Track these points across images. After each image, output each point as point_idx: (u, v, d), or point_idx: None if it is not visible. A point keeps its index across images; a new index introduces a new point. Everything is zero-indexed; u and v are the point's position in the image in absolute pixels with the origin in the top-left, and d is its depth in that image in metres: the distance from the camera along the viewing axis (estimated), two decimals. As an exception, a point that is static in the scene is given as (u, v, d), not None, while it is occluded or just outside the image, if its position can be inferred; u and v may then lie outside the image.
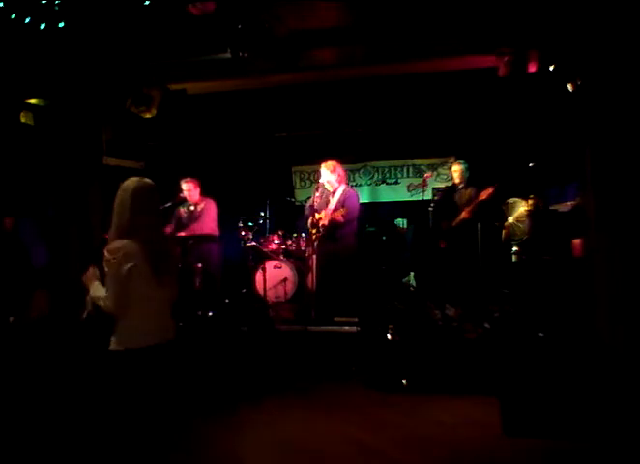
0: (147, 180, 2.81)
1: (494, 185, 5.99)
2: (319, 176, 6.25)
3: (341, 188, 6.10)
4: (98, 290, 2.68)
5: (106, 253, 2.59)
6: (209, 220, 6.59)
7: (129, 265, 2.56)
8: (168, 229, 6.43)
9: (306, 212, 6.39)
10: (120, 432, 2.70)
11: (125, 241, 2.60)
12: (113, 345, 2.67)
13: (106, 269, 2.60)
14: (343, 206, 5.90)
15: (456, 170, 6.38)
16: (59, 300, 5.41)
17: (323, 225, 5.99)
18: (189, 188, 6.50)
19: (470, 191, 6.23)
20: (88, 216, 5.74)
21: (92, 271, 2.75)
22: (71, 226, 5.69)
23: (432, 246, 6.51)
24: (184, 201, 6.54)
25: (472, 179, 6.35)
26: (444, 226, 6.31)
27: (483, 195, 6.01)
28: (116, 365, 2.64)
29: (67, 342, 4.38)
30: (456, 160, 6.61)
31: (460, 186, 6.35)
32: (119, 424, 2.68)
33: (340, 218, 5.86)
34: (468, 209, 6.11)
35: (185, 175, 6.59)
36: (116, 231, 2.67)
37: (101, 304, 2.63)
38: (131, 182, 2.77)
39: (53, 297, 5.39)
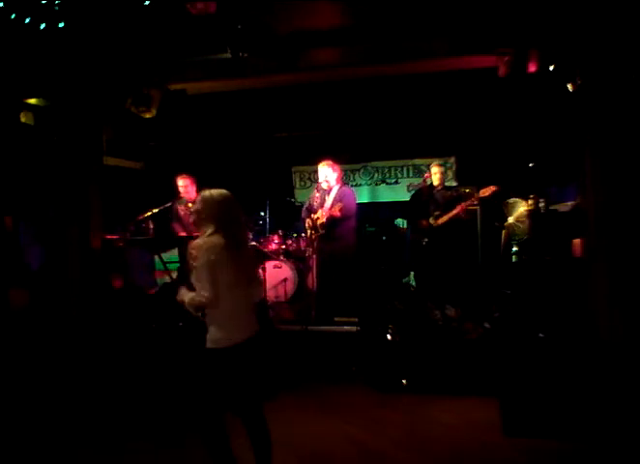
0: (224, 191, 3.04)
1: (497, 185, 5.97)
2: (318, 176, 6.26)
3: (337, 187, 6.13)
4: (189, 294, 2.87)
5: (191, 250, 2.83)
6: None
7: (212, 258, 2.77)
8: (177, 228, 6.46)
9: (303, 214, 6.41)
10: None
11: (207, 238, 2.85)
12: (210, 344, 2.88)
13: (193, 264, 2.81)
14: (340, 202, 5.94)
15: (436, 172, 6.33)
16: (51, 298, 5.43)
17: (322, 224, 5.99)
18: (185, 185, 6.48)
19: (451, 193, 6.22)
20: (88, 216, 5.74)
21: (183, 289, 2.96)
22: (70, 226, 5.68)
23: (432, 245, 6.51)
24: (181, 199, 6.54)
25: (462, 179, 6.34)
26: (424, 224, 6.27)
27: (484, 192, 5.96)
28: (214, 363, 2.86)
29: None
30: (437, 164, 6.55)
31: (440, 187, 6.31)
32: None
33: (337, 213, 5.85)
34: (463, 205, 6.06)
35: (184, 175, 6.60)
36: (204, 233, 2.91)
37: (198, 299, 2.81)
38: (219, 192, 2.99)
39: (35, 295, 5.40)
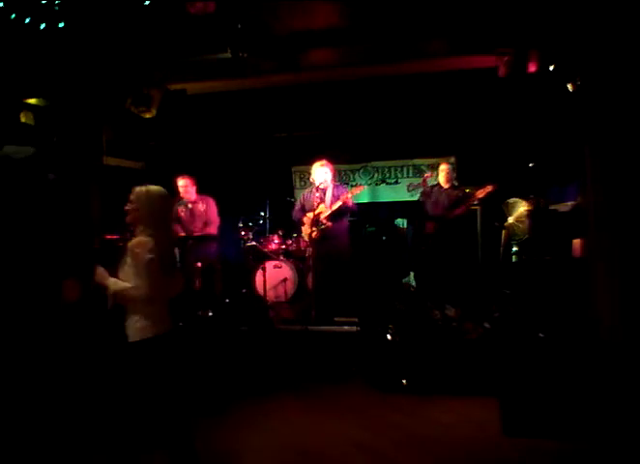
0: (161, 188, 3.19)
1: (493, 184, 5.99)
2: (316, 176, 6.26)
3: (332, 186, 6.18)
4: (119, 284, 2.96)
5: (133, 247, 2.94)
6: (209, 220, 6.59)
7: (151, 256, 2.90)
8: (176, 229, 6.46)
9: (297, 216, 6.42)
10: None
11: (147, 238, 2.96)
12: (134, 337, 2.96)
13: (132, 261, 2.92)
14: (338, 199, 6.00)
15: (443, 169, 6.36)
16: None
17: (327, 216, 6.01)
18: (185, 185, 6.49)
19: (457, 193, 6.22)
20: (88, 216, 5.73)
21: (101, 270, 3.05)
22: (71, 226, 5.68)
23: (431, 245, 6.52)
24: (181, 200, 6.54)
25: (463, 179, 6.34)
26: (431, 228, 6.30)
27: (481, 193, 6.00)
28: (137, 355, 2.94)
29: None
30: (444, 161, 6.55)
31: (447, 186, 6.32)
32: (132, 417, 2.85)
33: (350, 202, 5.95)
34: (463, 206, 6.10)
35: (184, 175, 6.60)
36: (141, 231, 3.02)
37: (132, 292, 2.91)
38: (154, 189, 3.15)
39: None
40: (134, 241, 2.99)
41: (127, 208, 3.12)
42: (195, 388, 4.61)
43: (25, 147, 3.12)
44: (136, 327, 2.96)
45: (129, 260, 2.96)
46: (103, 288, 3.00)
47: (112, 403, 3.83)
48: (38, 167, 2.86)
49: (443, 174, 6.35)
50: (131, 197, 3.09)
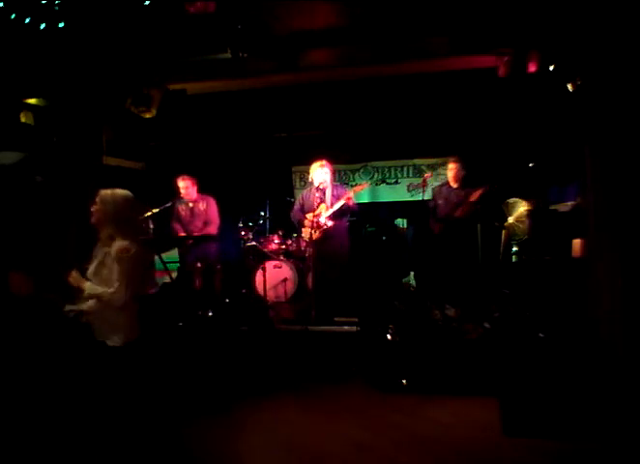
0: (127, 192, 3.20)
1: (485, 186, 6.01)
2: (316, 177, 6.26)
3: (331, 186, 6.18)
4: (96, 288, 2.95)
5: (118, 251, 2.92)
6: (210, 220, 6.60)
7: (135, 262, 2.93)
8: (177, 228, 6.47)
9: (296, 216, 6.42)
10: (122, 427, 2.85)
11: (129, 243, 2.97)
12: (114, 342, 2.96)
13: (117, 266, 2.91)
14: (339, 199, 6.00)
15: (452, 168, 6.35)
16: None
17: (327, 217, 6.01)
18: (185, 186, 6.50)
19: (464, 193, 6.22)
20: (88, 216, 5.73)
21: (76, 273, 3.06)
22: (70, 226, 5.68)
23: (432, 245, 6.53)
24: (181, 199, 6.55)
25: (469, 179, 6.33)
26: (436, 229, 6.32)
27: (473, 197, 6.03)
28: (120, 360, 2.95)
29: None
30: (453, 160, 6.55)
31: (455, 186, 6.33)
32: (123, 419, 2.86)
33: (351, 202, 5.96)
34: (461, 209, 6.12)
35: (185, 175, 6.60)
36: (119, 234, 3.02)
37: (110, 297, 2.91)
38: (121, 193, 3.16)
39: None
40: (122, 245, 2.99)
41: (92, 209, 3.13)
42: (195, 388, 4.61)
43: (13, 152, 3.14)
44: (116, 336, 2.98)
45: (110, 264, 2.96)
46: (77, 290, 3.00)
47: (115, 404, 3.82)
48: (25, 171, 2.87)
49: (452, 173, 6.33)
50: (97, 199, 3.10)
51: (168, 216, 6.60)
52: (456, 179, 6.32)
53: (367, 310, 5.64)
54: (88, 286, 2.98)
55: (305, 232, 6.32)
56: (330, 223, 6.05)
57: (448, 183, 6.45)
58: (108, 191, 3.04)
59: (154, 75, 5.57)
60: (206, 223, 6.58)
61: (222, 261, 6.76)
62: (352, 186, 7.77)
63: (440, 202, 6.36)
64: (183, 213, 6.64)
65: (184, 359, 4.94)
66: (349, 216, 6.28)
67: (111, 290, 2.92)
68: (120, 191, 3.07)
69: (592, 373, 3.82)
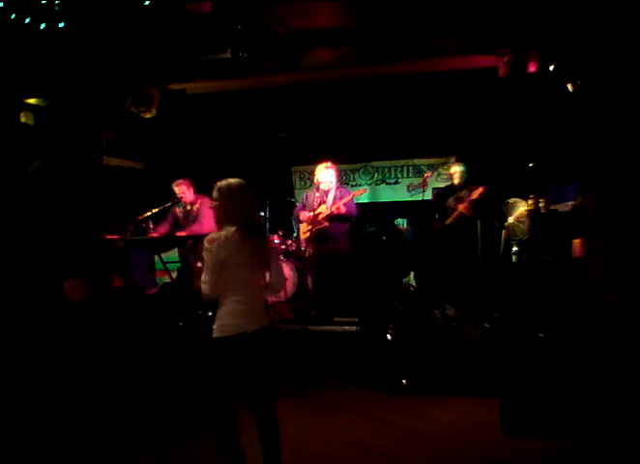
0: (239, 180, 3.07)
1: (484, 185, 6.03)
2: (321, 178, 6.26)
3: (334, 187, 6.16)
4: (202, 275, 2.95)
5: (205, 243, 2.91)
6: (207, 220, 6.57)
7: (223, 254, 2.86)
8: (163, 229, 6.44)
9: (296, 214, 6.43)
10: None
11: (222, 232, 2.93)
12: (214, 333, 2.95)
13: (204, 257, 2.90)
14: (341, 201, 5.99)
15: (456, 171, 6.38)
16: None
17: (325, 217, 6.01)
18: (182, 191, 6.48)
19: (465, 193, 6.23)
20: (88, 216, 5.73)
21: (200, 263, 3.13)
22: (71, 227, 5.67)
23: (432, 245, 6.53)
24: (179, 202, 6.54)
25: (471, 179, 6.34)
26: (437, 227, 6.33)
27: (474, 195, 6.04)
28: (214, 352, 2.92)
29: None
30: (456, 161, 6.57)
31: (459, 187, 6.34)
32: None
33: (343, 209, 5.93)
34: (463, 205, 6.13)
35: (184, 175, 6.58)
36: (218, 223, 3.01)
37: (201, 286, 2.92)
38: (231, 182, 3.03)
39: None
40: (208, 236, 2.97)
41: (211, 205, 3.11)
42: (195, 388, 4.60)
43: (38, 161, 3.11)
44: (216, 325, 2.96)
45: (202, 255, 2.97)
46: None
47: (115, 404, 3.83)
48: (46, 179, 2.84)
49: (456, 176, 6.33)
50: (214, 194, 3.04)
51: (166, 217, 6.59)
52: (460, 179, 6.32)
53: (367, 310, 5.64)
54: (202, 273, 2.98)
55: (303, 228, 6.32)
56: (326, 223, 6.03)
57: (452, 183, 6.45)
58: (223, 183, 3.03)
59: (154, 75, 5.57)
60: (204, 224, 6.56)
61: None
62: (352, 186, 7.77)
63: (447, 201, 6.35)
64: (180, 214, 6.62)
65: (183, 359, 4.94)
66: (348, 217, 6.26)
67: (202, 279, 2.95)
68: (234, 181, 3.03)
69: (592, 373, 3.82)
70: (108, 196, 6.01)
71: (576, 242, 5.00)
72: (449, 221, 6.24)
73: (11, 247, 2.64)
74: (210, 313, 5.81)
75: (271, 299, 6.42)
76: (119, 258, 6.32)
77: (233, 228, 2.92)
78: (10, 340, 3.45)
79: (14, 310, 3.14)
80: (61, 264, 2.81)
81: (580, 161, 4.63)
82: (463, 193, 6.25)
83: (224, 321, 2.94)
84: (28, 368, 3.46)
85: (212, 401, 2.98)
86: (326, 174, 6.11)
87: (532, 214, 5.73)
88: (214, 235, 2.94)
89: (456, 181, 6.36)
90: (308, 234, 6.14)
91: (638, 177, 4.18)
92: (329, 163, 6.15)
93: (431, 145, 7.78)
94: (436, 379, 4.61)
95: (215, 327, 2.96)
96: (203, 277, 2.91)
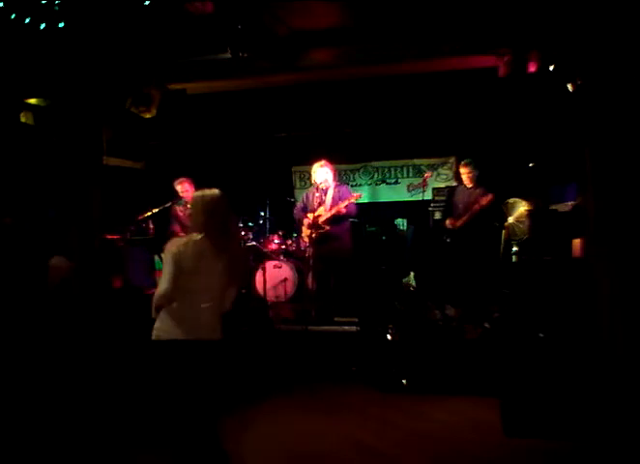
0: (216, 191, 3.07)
1: (492, 193, 5.98)
2: (317, 177, 6.26)
3: (333, 186, 6.17)
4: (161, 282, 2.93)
5: (169, 246, 2.91)
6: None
7: (184, 261, 2.83)
8: (176, 229, 6.46)
9: (297, 215, 6.43)
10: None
11: (187, 239, 2.92)
12: (153, 335, 2.90)
13: (165, 260, 2.90)
14: (341, 200, 5.98)
15: (464, 172, 6.23)
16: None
17: (325, 220, 6.01)
18: (185, 189, 6.49)
19: (478, 191, 6.12)
20: (88, 216, 5.73)
21: None
22: (71, 227, 5.68)
23: (432, 245, 6.52)
24: (180, 200, 6.54)
25: (481, 178, 6.25)
26: (450, 224, 6.22)
27: (484, 202, 5.93)
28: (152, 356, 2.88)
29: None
30: (463, 160, 6.43)
31: (470, 186, 6.23)
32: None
33: (343, 210, 5.91)
34: (470, 212, 6.04)
35: (184, 175, 6.59)
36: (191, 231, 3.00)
37: (157, 291, 2.90)
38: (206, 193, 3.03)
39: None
40: (171, 240, 3.01)
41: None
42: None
43: None
44: (155, 327, 2.92)
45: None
46: None
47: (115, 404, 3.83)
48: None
49: (465, 176, 6.18)
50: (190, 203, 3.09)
51: (167, 217, 6.59)
52: (471, 180, 6.21)
53: (367, 310, 5.64)
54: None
55: (305, 232, 6.33)
56: (327, 227, 6.02)
57: (462, 183, 6.35)
58: (198, 194, 3.06)
59: (154, 75, 5.57)
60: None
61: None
62: (352, 186, 7.77)
63: (456, 201, 6.28)
64: (181, 213, 6.62)
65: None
66: (348, 219, 6.26)
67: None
68: (210, 192, 3.02)
69: (592, 373, 3.82)
70: (108, 196, 6.01)
71: (576, 242, 5.01)
72: (459, 224, 6.11)
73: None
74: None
75: (271, 299, 6.43)
76: (119, 258, 6.32)
77: (199, 237, 2.90)
78: (10, 341, 3.46)
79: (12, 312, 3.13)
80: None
81: (580, 161, 4.63)
82: (477, 193, 6.12)
83: (164, 325, 2.89)
84: (26, 369, 3.46)
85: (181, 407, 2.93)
86: (321, 172, 6.12)
87: (532, 214, 5.74)
88: (179, 241, 2.94)
89: (467, 180, 6.24)
90: (309, 238, 6.15)
91: (638, 177, 4.18)
92: (323, 162, 6.15)
93: (431, 145, 7.77)
94: (436, 379, 4.61)
95: (154, 329, 2.91)
96: (162, 285, 2.86)
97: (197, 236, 2.91)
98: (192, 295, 2.90)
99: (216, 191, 3.01)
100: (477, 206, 5.98)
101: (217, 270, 2.93)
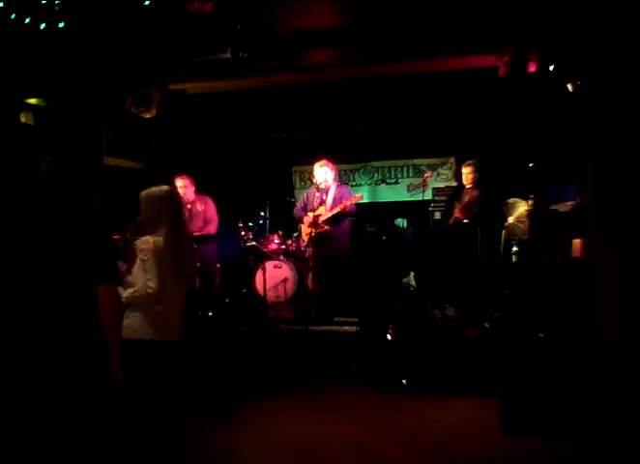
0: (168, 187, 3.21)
1: (482, 187, 6.02)
2: (317, 176, 6.26)
3: (334, 186, 6.16)
4: (127, 289, 2.92)
5: (141, 245, 2.92)
6: (208, 219, 6.58)
7: (159, 253, 2.88)
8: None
9: (297, 214, 6.43)
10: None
11: (152, 237, 2.94)
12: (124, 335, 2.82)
13: (143, 257, 2.90)
14: (341, 201, 5.98)
15: (465, 172, 6.28)
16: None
17: (325, 220, 6.01)
18: (184, 185, 6.48)
19: (475, 192, 6.17)
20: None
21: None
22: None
23: (432, 245, 6.53)
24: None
25: (483, 179, 6.27)
26: (445, 224, 6.31)
27: (467, 197, 6.03)
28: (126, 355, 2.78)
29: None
30: (467, 161, 6.45)
31: (469, 186, 6.28)
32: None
33: (347, 208, 5.92)
34: (459, 209, 6.13)
35: (185, 174, 6.59)
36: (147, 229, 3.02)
37: (144, 290, 2.87)
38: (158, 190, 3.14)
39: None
40: (143, 239, 2.99)
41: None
42: (195, 388, 4.60)
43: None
44: (132, 326, 2.90)
45: (140, 257, 2.94)
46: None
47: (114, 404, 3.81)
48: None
49: (466, 177, 6.25)
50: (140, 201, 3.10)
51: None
52: (470, 181, 6.25)
53: (367, 310, 5.64)
54: (125, 292, 2.95)
55: (305, 232, 6.33)
56: (327, 227, 6.03)
57: (462, 184, 6.39)
58: (145, 191, 3.13)
59: (154, 75, 5.57)
60: (205, 223, 6.57)
61: (222, 261, 6.75)
62: (352, 186, 7.77)
63: (456, 202, 6.32)
64: (182, 213, 6.62)
65: (183, 358, 4.93)
66: (348, 218, 6.27)
67: (142, 286, 2.94)
68: (158, 188, 3.15)
69: (591, 373, 3.82)
70: (108, 196, 6.01)
71: (576, 242, 5.00)
72: (449, 222, 6.21)
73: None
74: (210, 313, 5.85)
75: (271, 299, 6.43)
76: (119, 258, 6.31)
77: (161, 236, 2.94)
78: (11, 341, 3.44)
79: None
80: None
81: (580, 161, 4.63)
82: (473, 193, 6.17)
83: (135, 324, 2.90)
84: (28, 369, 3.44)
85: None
86: (320, 172, 6.13)
87: (532, 214, 5.73)
88: (149, 239, 2.95)
89: (466, 180, 6.29)
90: (309, 237, 6.16)
91: (638, 177, 4.18)
92: (323, 161, 6.16)
93: (431, 145, 7.77)
94: (436, 379, 4.61)
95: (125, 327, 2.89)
96: (150, 279, 2.87)
97: (159, 235, 2.95)
98: (162, 293, 2.93)
99: (167, 188, 3.15)
100: (459, 207, 6.05)
101: (176, 267, 2.97)
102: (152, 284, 2.88)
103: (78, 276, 2.48)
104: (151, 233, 3.00)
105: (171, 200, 3.13)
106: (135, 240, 3.06)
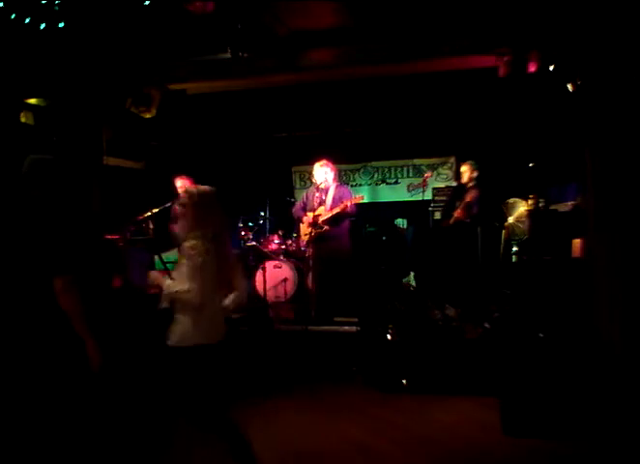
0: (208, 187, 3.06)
1: (481, 187, 6.03)
2: (316, 176, 6.26)
3: (334, 186, 6.16)
4: (175, 285, 2.87)
5: (190, 250, 2.83)
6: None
7: (204, 259, 2.81)
8: (176, 229, 6.43)
9: (297, 213, 6.43)
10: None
11: (199, 240, 2.86)
12: (174, 342, 2.90)
13: (189, 263, 2.82)
14: (341, 201, 5.97)
15: (462, 170, 6.34)
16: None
17: (325, 220, 6.01)
18: (184, 185, 6.48)
19: (475, 192, 6.19)
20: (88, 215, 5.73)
21: (155, 273, 3.10)
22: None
23: (432, 245, 6.53)
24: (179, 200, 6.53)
25: (481, 178, 6.29)
26: (445, 224, 6.33)
27: (467, 198, 6.04)
28: (176, 362, 2.89)
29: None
30: (465, 161, 6.48)
31: (468, 185, 6.30)
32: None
33: (347, 208, 5.91)
34: (459, 209, 6.14)
35: (185, 174, 6.59)
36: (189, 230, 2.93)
37: (187, 296, 2.82)
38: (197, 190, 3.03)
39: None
40: (191, 243, 2.89)
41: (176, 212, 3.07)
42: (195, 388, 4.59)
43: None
44: (180, 333, 2.91)
45: (184, 261, 2.89)
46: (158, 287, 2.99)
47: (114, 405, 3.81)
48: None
49: (465, 175, 6.30)
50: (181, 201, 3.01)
51: (167, 217, 6.58)
52: (469, 179, 6.28)
53: (367, 310, 5.64)
54: (169, 283, 2.93)
55: (304, 231, 6.33)
56: (326, 227, 6.03)
57: (462, 184, 6.41)
58: (193, 190, 3.03)
59: (154, 75, 5.57)
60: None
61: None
62: (352, 186, 7.77)
63: (456, 202, 6.33)
64: (180, 213, 6.62)
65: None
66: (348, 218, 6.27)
67: (188, 287, 2.85)
68: (203, 189, 3.03)
69: (591, 373, 3.82)
70: (108, 196, 6.01)
71: (576, 242, 5.01)
72: (450, 222, 6.23)
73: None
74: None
75: (271, 299, 6.43)
76: (119, 258, 6.31)
77: (205, 238, 2.88)
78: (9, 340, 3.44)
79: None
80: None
81: (580, 161, 4.63)
82: (465, 196, 6.21)
83: (187, 330, 2.90)
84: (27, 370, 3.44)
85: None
86: (320, 172, 6.12)
87: (532, 214, 5.74)
88: (194, 242, 2.86)
89: (465, 180, 6.31)
90: (308, 237, 6.16)
91: (638, 177, 4.18)
92: (323, 161, 6.16)
93: (431, 145, 7.78)
94: (436, 379, 4.61)
95: (175, 334, 2.91)
96: (189, 285, 2.81)
97: (202, 237, 2.88)
98: (208, 297, 2.90)
99: (212, 188, 3.02)
100: (460, 208, 6.06)
101: (217, 269, 2.92)
102: (194, 294, 2.82)
103: (33, 270, 2.48)
104: (186, 231, 2.93)
105: (219, 202, 3.03)
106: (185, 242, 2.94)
